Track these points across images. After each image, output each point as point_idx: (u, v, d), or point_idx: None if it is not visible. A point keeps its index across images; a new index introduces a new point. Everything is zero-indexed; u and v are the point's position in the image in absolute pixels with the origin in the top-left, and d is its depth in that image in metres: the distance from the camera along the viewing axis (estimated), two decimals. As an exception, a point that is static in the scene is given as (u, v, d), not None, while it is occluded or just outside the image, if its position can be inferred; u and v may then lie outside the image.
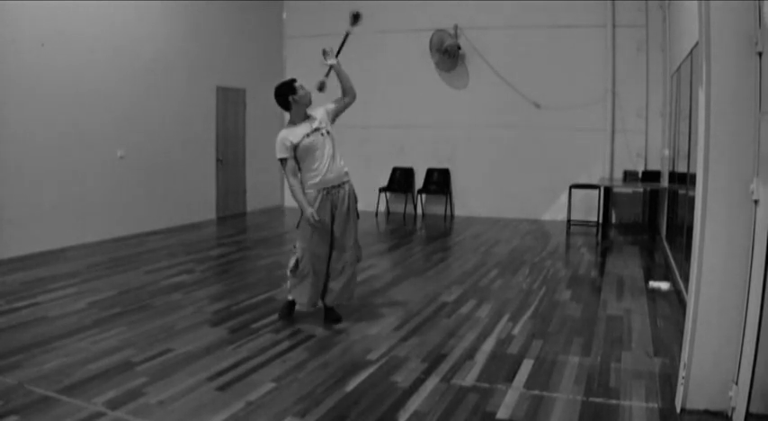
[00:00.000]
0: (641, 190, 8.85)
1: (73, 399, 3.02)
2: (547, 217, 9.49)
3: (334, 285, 4.31)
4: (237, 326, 4.24)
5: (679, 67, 6.20)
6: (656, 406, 3.00)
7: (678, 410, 2.91)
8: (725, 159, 2.77)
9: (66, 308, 4.62)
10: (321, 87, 4.36)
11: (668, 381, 3.26)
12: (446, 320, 4.43)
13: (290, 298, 4.37)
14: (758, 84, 2.65)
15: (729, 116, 2.75)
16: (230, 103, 9.59)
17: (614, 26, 8.91)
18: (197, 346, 3.82)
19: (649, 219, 8.76)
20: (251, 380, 3.31)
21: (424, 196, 10.15)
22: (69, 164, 6.96)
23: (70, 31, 6.87)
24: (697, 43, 3.56)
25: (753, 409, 2.70)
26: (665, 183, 7.72)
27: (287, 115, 4.28)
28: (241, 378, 3.34)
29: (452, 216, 9.90)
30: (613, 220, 9.07)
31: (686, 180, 5.07)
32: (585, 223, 8.91)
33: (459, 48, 9.56)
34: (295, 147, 4.11)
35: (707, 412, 2.86)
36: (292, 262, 4.26)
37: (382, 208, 10.22)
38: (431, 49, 9.64)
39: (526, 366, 3.54)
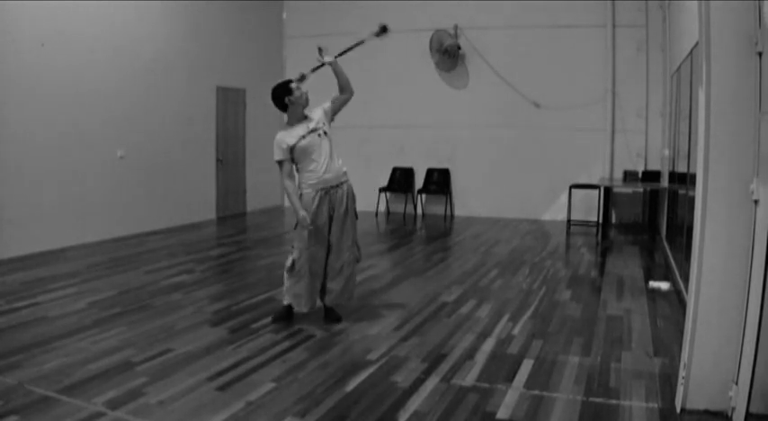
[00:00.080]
0: (641, 190, 8.86)
1: (73, 399, 3.02)
2: (547, 217, 9.49)
3: (334, 286, 4.31)
4: (237, 326, 4.24)
5: (679, 67, 6.20)
6: (656, 406, 3.00)
7: (678, 410, 2.91)
8: (725, 159, 2.77)
9: (66, 308, 4.62)
10: (301, 79, 4.37)
11: (668, 381, 3.26)
12: (446, 320, 4.43)
13: (285, 302, 4.35)
14: (758, 84, 2.65)
15: (729, 116, 2.75)
16: (230, 102, 9.59)
17: (614, 26, 8.91)
18: (197, 346, 3.82)
19: (649, 219, 8.76)
20: (251, 380, 3.30)
21: (424, 196, 10.15)
22: (69, 164, 6.96)
23: (70, 31, 6.87)
24: (697, 43, 3.57)
25: (753, 409, 2.70)
26: (665, 183, 7.72)
27: (285, 116, 4.28)
28: (241, 378, 3.34)
29: (452, 216, 9.90)
30: (613, 220, 9.07)
31: (686, 180, 5.07)
32: (585, 223, 8.91)
33: (459, 48, 9.56)
34: (291, 149, 4.11)
35: (707, 412, 2.86)
36: (289, 262, 4.25)
37: (382, 208, 10.22)
38: (431, 49, 9.64)
39: (526, 366, 3.54)
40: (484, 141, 9.71)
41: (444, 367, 3.52)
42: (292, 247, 4.29)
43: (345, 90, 4.33)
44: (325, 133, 4.20)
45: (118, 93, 7.56)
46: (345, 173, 4.31)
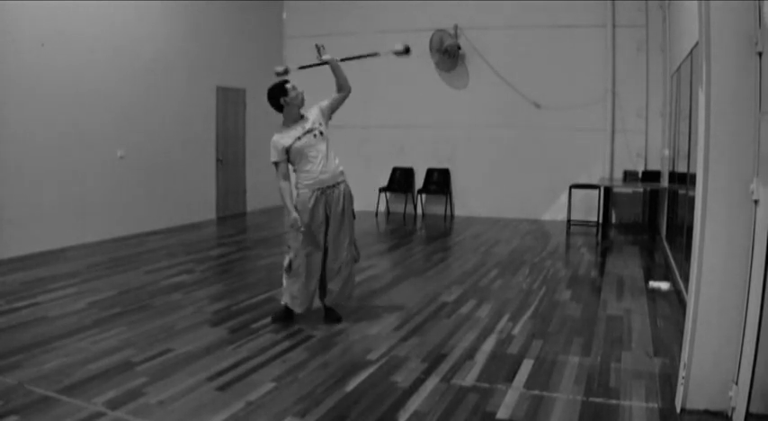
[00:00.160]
0: (641, 190, 8.85)
1: (73, 399, 3.02)
2: (547, 217, 9.49)
3: (333, 286, 4.31)
4: (237, 326, 4.24)
5: (679, 67, 6.20)
6: (656, 406, 3.00)
7: (678, 410, 2.91)
8: (725, 159, 2.77)
9: (66, 308, 4.62)
10: (285, 72, 4.36)
11: (668, 381, 3.26)
12: (446, 320, 4.43)
13: (282, 302, 4.35)
14: (758, 84, 2.65)
15: (729, 116, 2.75)
16: (230, 102, 9.59)
17: (614, 26, 8.91)
18: (197, 346, 3.82)
19: (649, 219, 8.76)
20: (251, 380, 3.31)
21: (423, 196, 10.15)
22: (69, 164, 6.96)
23: (70, 31, 6.87)
24: (697, 43, 3.56)
25: (753, 409, 2.70)
26: (665, 183, 7.72)
27: (281, 116, 4.28)
28: (241, 378, 3.34)
29: (452, 216, 9.90)
30: (613, 220, 9.07)
31: (686, 180, 5.07)
32: (585, 223, 8.90)
33: (459, 48, 9.57)
34: (287, 150, 4.12)
35: (707, 412, 2.86)
36: (286, 262, 4.25)
37: (382, 208, 10.22)
38: (431, 49, 9.63)
39: (526, 366, 3.54)
40: (484, 141, 9.71)
41: (444, 367, 3.52)
42: (288, 248, 4.29)
43: (343, 88, 4.33)
44: (321, 133, 4.20)
45: (118, 93, 7.56)
46: (342, 173, 4.30)
